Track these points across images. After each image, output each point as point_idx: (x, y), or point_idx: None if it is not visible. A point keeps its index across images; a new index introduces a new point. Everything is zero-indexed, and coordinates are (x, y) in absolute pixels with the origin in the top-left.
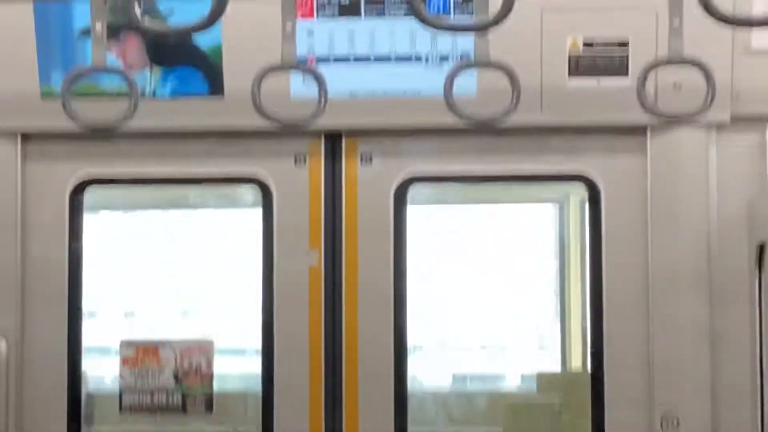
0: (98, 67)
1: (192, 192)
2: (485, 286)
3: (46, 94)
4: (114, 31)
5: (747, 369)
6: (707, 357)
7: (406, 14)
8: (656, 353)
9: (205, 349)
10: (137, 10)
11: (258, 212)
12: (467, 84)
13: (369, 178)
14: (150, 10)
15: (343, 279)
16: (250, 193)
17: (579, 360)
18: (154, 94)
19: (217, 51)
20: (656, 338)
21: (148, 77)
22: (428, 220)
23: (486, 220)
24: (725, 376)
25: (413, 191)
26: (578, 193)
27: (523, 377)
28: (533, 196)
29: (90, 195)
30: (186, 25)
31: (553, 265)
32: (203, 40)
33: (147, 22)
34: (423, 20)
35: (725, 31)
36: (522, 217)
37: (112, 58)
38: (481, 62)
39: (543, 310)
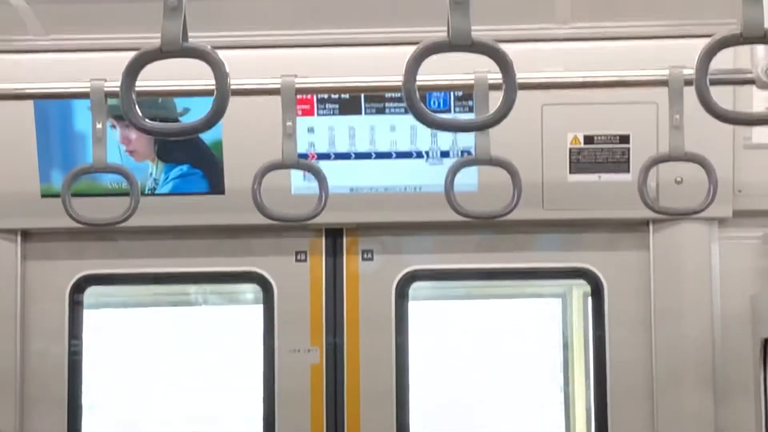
0: (99, 166)
1: (192, 289)
2: (488, 382)
3: (46, 192)
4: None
5: None
6: None
7: (406, 111)
8: None
9: None
10: (137, 112)
11: (259, 309)
12: (468, 179)
13: (370, 274)
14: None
15: (344, 376)
16: (251, 289)
17: None
18: (154, 190)
19: (218, 146)
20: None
21: (150, 170)
22: (430, 316)
23: (488, 316)
24: None
25: (415, 287)
26: (581, 287)
27: None
28: (536, 291)
29: (90, 292)
30: (185, 127)
31: (557, 359)
32: (206, 136)
33: (147, 123)
34: (423, 119)
35: (726, 126)
36: (525, 312)
37: (115, 145)
38: (482, 159)
39: (547, 405)
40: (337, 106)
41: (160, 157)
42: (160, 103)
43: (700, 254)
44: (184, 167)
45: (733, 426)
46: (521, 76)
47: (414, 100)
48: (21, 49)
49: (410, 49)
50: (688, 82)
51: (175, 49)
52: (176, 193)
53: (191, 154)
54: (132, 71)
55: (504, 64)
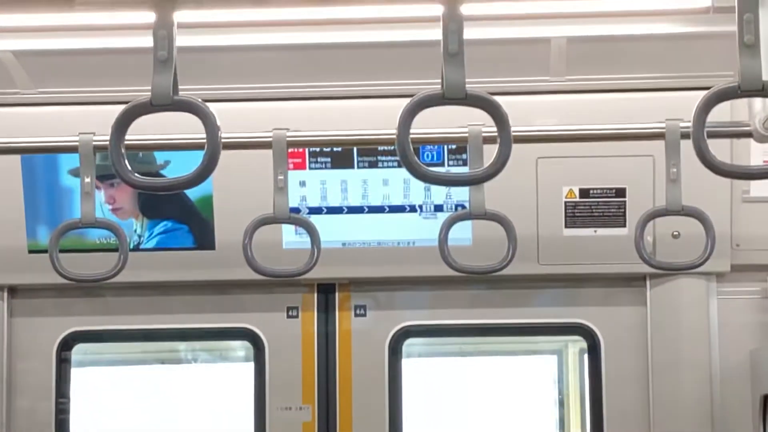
0: (87, 222)
1: (182, 346)
2: None
3: (33, 248)
4: (106, 175)
5: None
6: None
7: (399, 164)
8: None
9: None
10: (126, 166)
11: (249, 366)
12: (462, 233)
13: (363, 330)
14: (144, 161)
15: None
16: (241, 346)
17: None
18: (138, 245)
19: (207, 201)
20: None
21: (134, 227)
22: (424, 374)
23: (483, 373)
24: None
25: (408, 343)
26: (577, 343)
27: None
28: (531, 347)
29: (77, 349)
30: (175, 181)
31: (553, 416)
32: (193, 191)
33: (136, 178)
34: (416, 173)
35: (724, 179)
36: (520, 369)
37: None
38: (477, 213)
39: None
40: (329, 159)
41: (144, 213)
42: (141, 156)
43: (698, 309)
44: (169, 223)
45: None
46: (516, 129)
47: (407, 153)
48: (8, 102)
49: (403, 102)
50: (685, 135)
51: (165, 102)
52: (162, 248)
53: (176, 209)
54: (121, 125)
55: (499, 117)
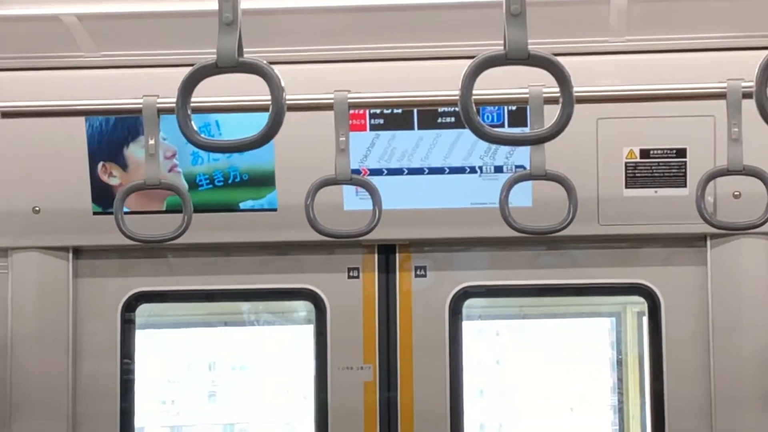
0: (152, 183)
1: (244, 307)
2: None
3: (97, 210)
4: None
5: None
6: None
7: (458, 126)
8: None
9: None
10: (193, 127)
11: (311, 328)
12: (522, 195)
13: (423, 290)
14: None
15: (398, 394)
16: (302, 308)
17: None
18: None
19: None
20: None
21: None
22: (483, 336)
23: (541, 335)
24: None
25: (467, 305)
26: (635, 305)
27: None
28: (589, 309)
29: (141, 312)
30: (241, 142)
31: (610, 379)
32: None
33: (202, 139)
34: (479, 133)
35: None
36: (578, 331)
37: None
38: (538, 174)
39: (600, 426)
40: (389, 121)
41: None
42: None
43: (759, 269)
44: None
45: None
46: (577, 90)
47: (470, 113)
48: (72, 65)
49: (463, 64)
50: (746, 95)
51: (231, 64)
52: (226, 209)
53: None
54: (187, 87)
55: (561, 77)
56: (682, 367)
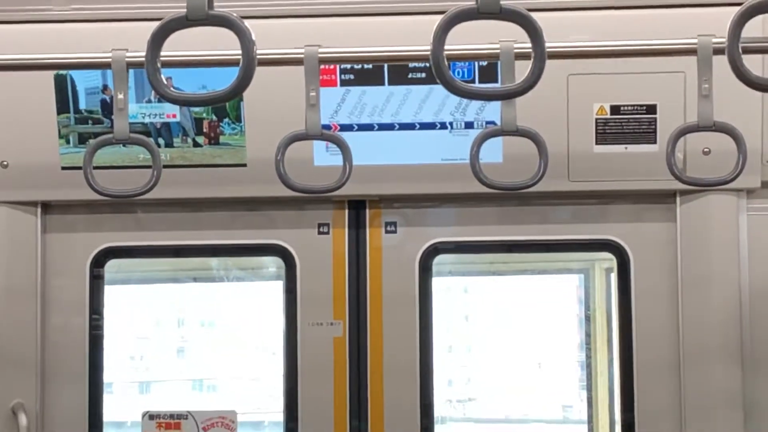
0: (120, 138)
1: (213, 263)
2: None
3: (66, 165)
4: None
5: None
6: (741, 426)
7: (429, 81)
8: (688, 422)
9: (228, 420)
10: (162, 80)
11: (280, 285)
12: (493, 151)
13: (393, 246)
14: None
15: (368, 349)
16: (272, 265)
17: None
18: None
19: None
20: (688, 407)
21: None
22: (451, 293)
23: (510, 291)
24: None
25: (437, 262)
26: (603, 262)
27: None
28: (558, 266)
29: (110, 268)
30: (211, 96)
31: (578, 335)
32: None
33: (173, 92)
34: (451, 88)
35: (755, 95)
36: (546, 288)
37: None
38: (509, 130)
39: (567, 382)
40: (360, 76)
41: None
42: None
43: (727, 226)
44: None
45: (761, 398)
46: (548, 45)
47: (442, 67)
48: (41, 19)
49: (435, 19)
50: (717, 51)
51: (201, 16)
52: (194, 165)
53: None
54: (157, 39)
55: (533, 31)
56: (650, 323)
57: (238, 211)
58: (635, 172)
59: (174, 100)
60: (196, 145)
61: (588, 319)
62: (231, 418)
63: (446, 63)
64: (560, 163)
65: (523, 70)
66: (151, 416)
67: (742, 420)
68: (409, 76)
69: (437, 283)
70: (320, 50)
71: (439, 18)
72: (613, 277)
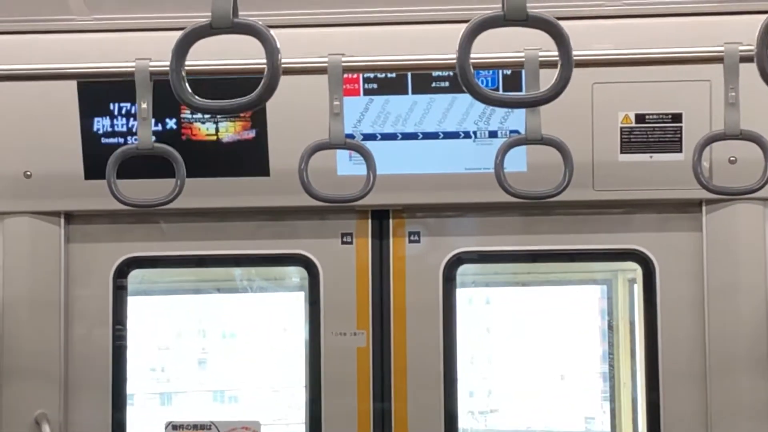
0: (144, 148)
1: (237, 274)
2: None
3: (90, 175)
4: None
5: None
6: None
7: (453, 91)
8: (714, 431)
9: (251, 430)
10: (187, 89)
11: (301, 296)
12: (517, 160)
13: (417, 256)
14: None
15: (391, 359)
16: (295, 275)
17: None
18: None
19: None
20: (715, 418)
21: None
22: (473, 304)
23: (531, 302)
24: None
25: (462, 273)
26: (626, 272)
27: None
28: (581, 277)
29: (134, 279)
30: (236, 103)
31: (601, 347)
32: None
33: (197, 101)
34: (477, 95)
35: None
36: (569, 299)
37: None
38: (533, 138)
39: (590, 394)
40: (383, 86)
41: None
42: None
43: (754, 235)
44: None
45: None
46: (574, 53)
47: (468, 75)
48: (64, 29)
49: (458, 28)
50: (743, 59)
51: (225, 25)
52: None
53: None
54: (182, 48)
55: (560, 38)
56: (676, 333)
57: (261, 221)
58: (660, 181)
59: (199, 109)
60: None
61: (611, 330)
62: (254, 428)
63: (472, 70)
64: (585, 172)
65: (546, 78)
66: (174, 426)
67: None
68: (433, 85)
69: (460, 294)
70: (344, 59)
71: (462, 26)
72: (636, 287)
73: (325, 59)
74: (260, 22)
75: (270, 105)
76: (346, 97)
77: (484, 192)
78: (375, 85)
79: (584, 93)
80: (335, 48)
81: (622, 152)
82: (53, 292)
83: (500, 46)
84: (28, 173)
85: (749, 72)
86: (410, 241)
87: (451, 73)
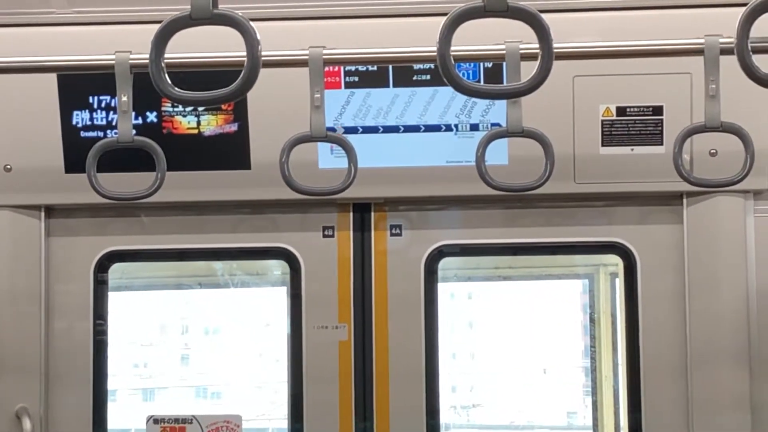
0: (124, 141)
1: (218, 268)
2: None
3: (70, 168)
4: None
5: None
6: (749, 429)
7: (434, 84)
8: (696, 425)
9: (233, 424)
10: (166, 80)
11: (283, 291)
12: (498, 153)
13: (399, 249)
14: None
15: (373, 352)
16: (276, 269)
17: None
18: None
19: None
20: (696, 410)
21: None
22: (455, 299)
23: (513, 297)
24: None
25: (444, 267)
26: (608, 266)
27: None
28: (562, 271)
29: (114, 274)
30: (216, 95)
31: (582, 341)
32: None
33: (176, 92)
34: (458, 86)
35: (762, 96)
36: (550, 293)
37: None
38: (515, 131)
39: (572, 388)
40: (364, 78)
41: None
42: None
43: (735, 227)
44: None
45: None
46: (554, 46)
47: (449, 65)
48: (44, 22)
49: (439, 20)
50: (724, 51)
51: (205, 15)
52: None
53: None
54: (161, 39)
55: (541, 29)
56: (657, 325)
57: (242, 214)
58: (641, 174)
59: (178, 100)
60: None
61: (592, 324)
62: (236, 422)
63: (453, 61)
64: (566, 165)
65: (527, 72)
66: (155, 420)
67: (749, 423)
68: (414, 78)
69: (442, 289)
70: (325, 51)
71: (443, 19)
72: (618, 282)
73: (306, 52)
74: (241, 13)
75: (251, 98)
76: (327, 90)
77: (466, 185)
78: (356, 78)
79: (565, 86)
80: (316, 41)
81: (603, 145)
82: (33, 286)
83: (482, 39)
84: (8, 167)
85: (730, 65)
86: (392, 235)
87: (433, 66)
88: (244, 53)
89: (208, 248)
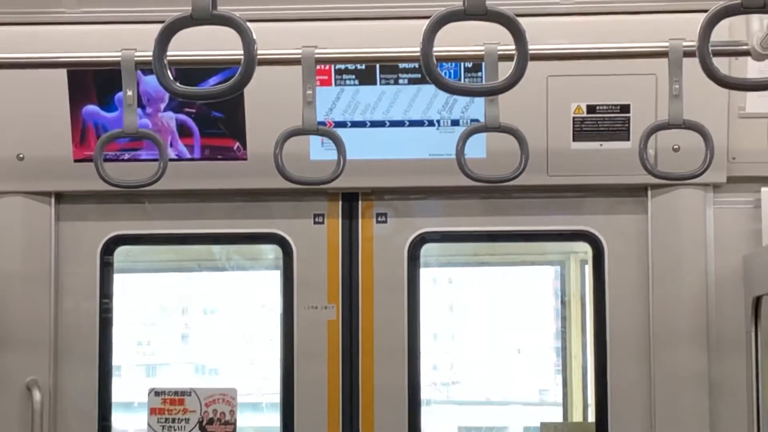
0: (129, 132)
1: (215, 253)
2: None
3: (79, 157)
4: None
5: (744, 417)
6: (706, 405)
7: (419, 82)
8: (658, 401)
9: (228, 397)
10: (169, 76)
11: (278, 273)
12: (477, 146)
13: (384, 236)
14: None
15: (359, 332)
16: (270, 253)
17: (580, 412)
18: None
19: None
20: (658, 387)
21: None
22: (437, 283)
23: (491, 282)
24: (723, 424)
25: (424, 253)
26: (578, 254)
27: (526, 429)
28: (535, 258)
29: (119, 257)
30: (214, 90)
31: (554, 323)
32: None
33: (178, 87)
34: (440, 84)
35: (721, 96)
36: (525, 279)
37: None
38: (492, 126)
39: (544, 367)
40: (353, 76)
41: None
42: None
43: (695, 218)
44: None
45: (725, 380)
46: (529, 48)
47: (431, 65)
48: (55, 20)
49: (424, 23)
50: (686, 54)
51: (205, 16)
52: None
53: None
54: (164, 37)
55: (517, 31)
56: (622, 309)
57: (239, 202)
58: (609, 168)
59: (179, 95)
60: None
61: (563, 307)
62: (231, 395)
63: (435, 61)
64: (540, 159)
65: (504, 72)
66: (156, 393)
67: (707, 399)
68: (400, 76)
69: (424, 274)
70: (317, 51)
71: (427, 22)
72: (587, 268)
73: (299, 51)
74: (238, 14)
75: (247, 94)
76: (318, 87)
77: (447, 176)
78: (346, 76)
79: (539, 85)
80: (309, 41)
81: (574, 140)
82: (44, 267)
83: (462, 41)
84: (21, 156)
85: (692, 67)
86: (378, 222)
87: (417, 65)
88: (242, 52)
89: (207, 233)
